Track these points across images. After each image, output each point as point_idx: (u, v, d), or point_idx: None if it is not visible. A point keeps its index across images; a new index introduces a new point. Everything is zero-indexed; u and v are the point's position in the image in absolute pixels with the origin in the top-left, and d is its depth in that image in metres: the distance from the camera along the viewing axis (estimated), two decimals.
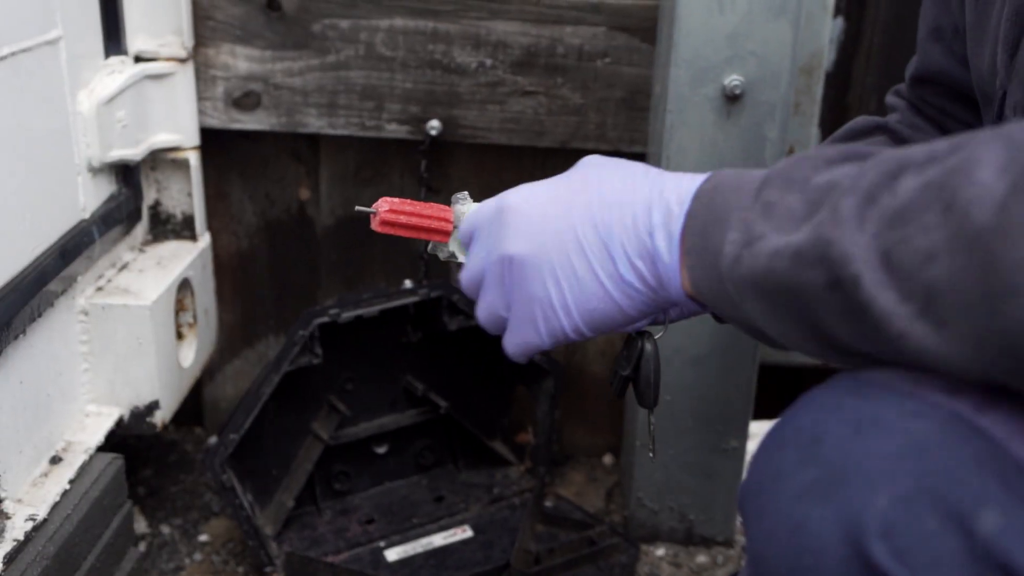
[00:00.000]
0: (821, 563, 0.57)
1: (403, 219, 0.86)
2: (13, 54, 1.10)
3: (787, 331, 0.67)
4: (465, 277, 0.84)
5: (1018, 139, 0.55)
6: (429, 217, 0.87)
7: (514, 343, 0.82)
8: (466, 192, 0.87)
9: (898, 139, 1.04)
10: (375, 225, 0.87)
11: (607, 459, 1.70)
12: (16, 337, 1.11)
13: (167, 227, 1.53)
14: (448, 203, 0.89)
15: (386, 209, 0.86)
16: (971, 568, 0.53)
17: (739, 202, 0.69)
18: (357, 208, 0.88)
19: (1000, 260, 0.53)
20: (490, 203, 0.81)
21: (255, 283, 1.65)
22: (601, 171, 0.77)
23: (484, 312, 0.83)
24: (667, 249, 0.73)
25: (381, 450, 1.56)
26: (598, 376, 1.66)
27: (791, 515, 0.60)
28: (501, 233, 0.78)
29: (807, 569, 0.58)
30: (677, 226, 0.73)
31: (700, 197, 0.72)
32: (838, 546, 0.57)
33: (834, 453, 0.59)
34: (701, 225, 0.71)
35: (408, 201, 0.87)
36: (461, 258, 0.87)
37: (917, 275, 0.56)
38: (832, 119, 1.50)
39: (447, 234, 0.87)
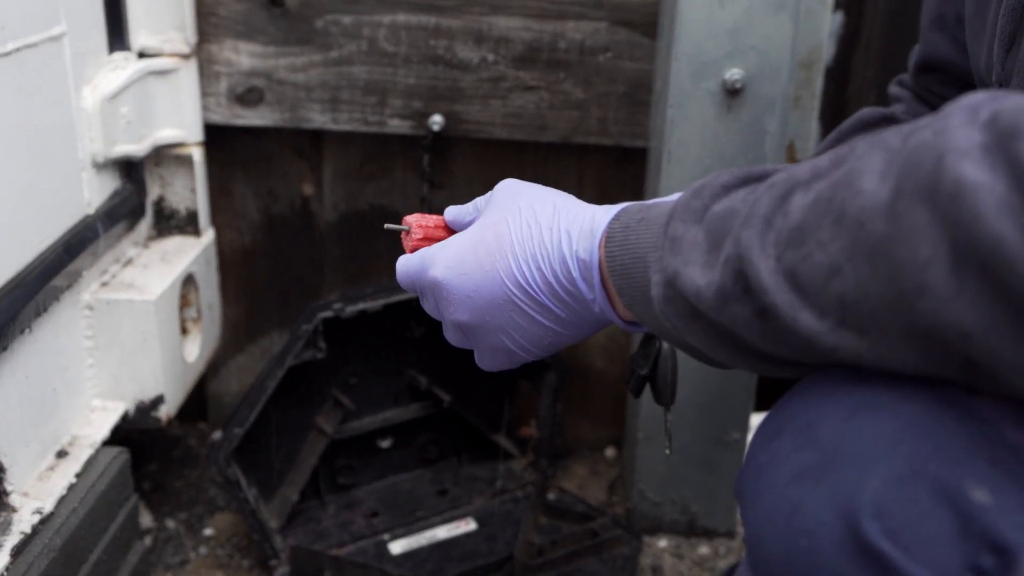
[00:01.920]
0: (816, 545, 0.58)
1: (441, 238, 0.87)
2: (17, 50, 1.09)
3: (733, 358, 0.68)
4: (428, 311, 0.88)
5: (894, 145, 0.56)
6: None
7: (485, 366, 0.88)
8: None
9: None
10: (408, 249, 0.87)
11: (609, 452, 1.70)
12: (22, 332, 1.11)
13: (171, 223, 1.53)
14: (451, 201, 0.90)
15: (420, 237, 0.86)
16: (963, 546, 0.53)
17: (650, 239, 0.71)
18: (387, 226, 0.88)
19: (903, 264, 0.53)
20: (415, 262, 0.84)
21: (259, 278, 1.65)
22: (511, 221, 0.79)
23: (452, 342, 0.88)
24: (593, 293, 0.77)
25: (385, 444, 1.56)
26: (601, 370, 1.66)
27: (787, 498, 0.60)
28: (443, 303, 0.82)
29: (803, 551, 0.58)
30: (594, 274, 0.76)
31: (612, 238, 0.74)
32: (833, 527, 0.57)
33: (828, 436, 0.59)
34: (621, 267, 0.73)
35: (439, 221, 0.87)
36: None
37: (825, 290, 0.57)
38: (832, 113, 1.50)
39: None
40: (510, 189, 0.83)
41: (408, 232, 0.86)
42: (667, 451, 1.04)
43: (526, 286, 0.78)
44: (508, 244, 0.78)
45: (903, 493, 0.55)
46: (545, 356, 0.84)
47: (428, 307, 0.87)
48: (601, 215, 0.77)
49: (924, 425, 0.57)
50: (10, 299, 1.07)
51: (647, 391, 0.97)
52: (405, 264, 0.86)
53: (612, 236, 0.74)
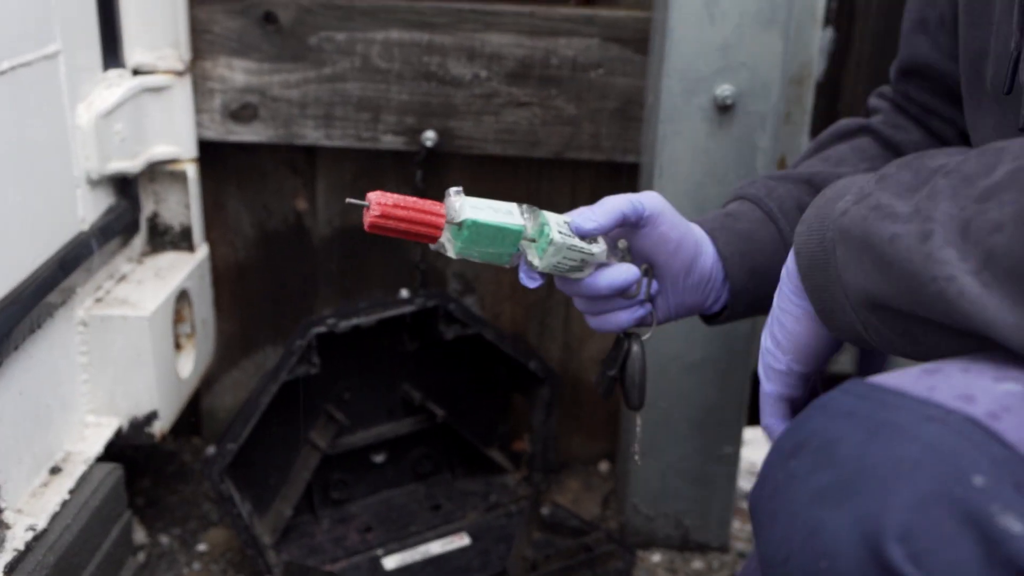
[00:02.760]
0: (837, 567, 0.57)
1: (392, 224, 0.82)
2: (12, 68, 1.11)
3: (852, 275, 0.71)
4: None
5: None
6: (420, 221, 0.83)
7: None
8: (460, 187, 0.85)
9: (881, 139, 1.05)
10: (365, 226, 0.83)
11: (603, 466, 1.71)
12: (16, 348, 1.12)
13: (165, 238, 1.54)
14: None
15: (377, 214, 0.82)
16: (989, 572, 0.53)
17: (856, 184, 0.75)
18: (348, 200, 0.84)
19: None
20: None
21: (253, 294, 1.66)
22: None
23: None
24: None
25: (379, 459, 1.57)
26: (594, 384, 1.67)
27: (806, 519, 0.60)
28: None
29: (823, 572, 0.58)
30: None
31: (817, 201, 0.78)
32: (855, 550, 0.56)
33: (849, 457, 0.59)
34: (822, 201, 0.77)
35: (399, 200, 0.82)
36: (449, 251, 0.84)
37: (982, 241, 0.61)
38: (823, 128, 1.51)
39: (439, 229, 0.83)
40: None
41: (368, 208, 0.82)
42: (635, 457, 1.04)
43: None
44: None
45: (928, 517, 0.55)
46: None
47: None
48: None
49: (946, 448, 0.57)
50: (4, 316, 1.07)
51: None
52: None
53: (824, 193, 0.79)
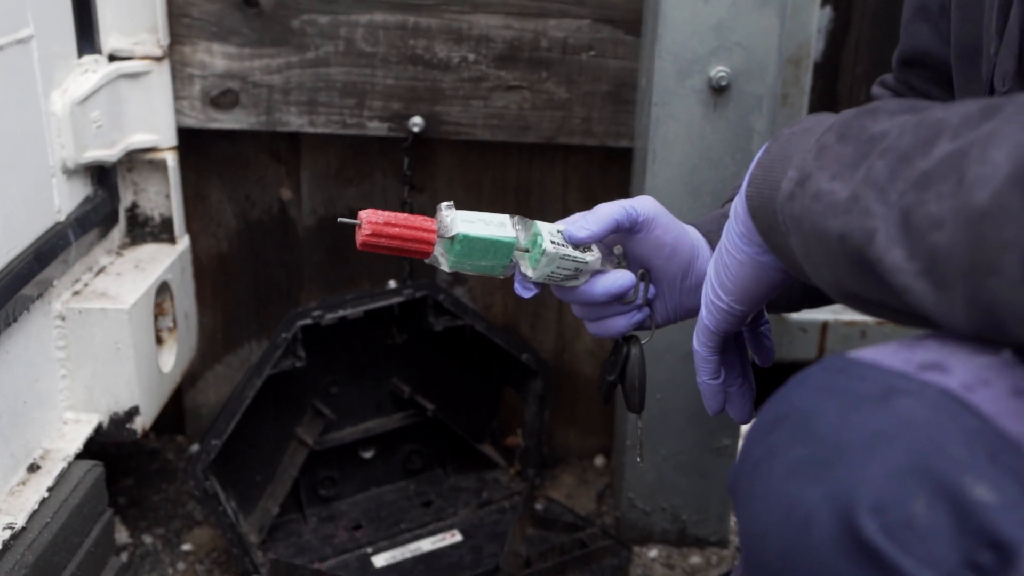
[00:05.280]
0: (813, 539, 0.58)
1: (384, 242, 0.85)
2: None
3: (816, 271, 0.72)
4: None
5: None
6: (411, 238, 0.85)
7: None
8: (451, 201, 0.88)
9: None
10: (357, 244, 0.86)
11: (598, 460, 1.71)
12: None
13: (145, 229, 1.54)
14: (433, 203, 0.88)
15: (368, 232, 0.85)
16: (961, 542, 0.54)
17: (805, 144, 0.74)
18: (340, 219, 0.87)
19: (987, 239, 0.56)
20: None
21: (236, 286, 1.66)
22: None
23: None
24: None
25: (368, 454, 1.57)
26: (588, 377, 1.67)
27: (783, 492, 0.61)
28: None
29: (799, 546, 0.59)
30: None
31: (778, 138, 0.78)
32: (829, 522, 0.58)
33: (825, 431, 0.61)
34: (770, 161, 0.77)
35: (390, 218, 0.85)
36: (443, 264, 0.87)
37: (925, 238, 0.60)
38: (821, 109, 1.51)
39: (432, 245, 0.86)
40: None
41: (359, 226, 0.85)
42: (638, 459, 1.06)
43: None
44: None
45: (900, 489, 0.56)
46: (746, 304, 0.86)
47: None
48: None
49: (921, 421, 0.58)
50: None
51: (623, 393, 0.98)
52: None
53: (779, 136, 0.78)
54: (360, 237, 0.85)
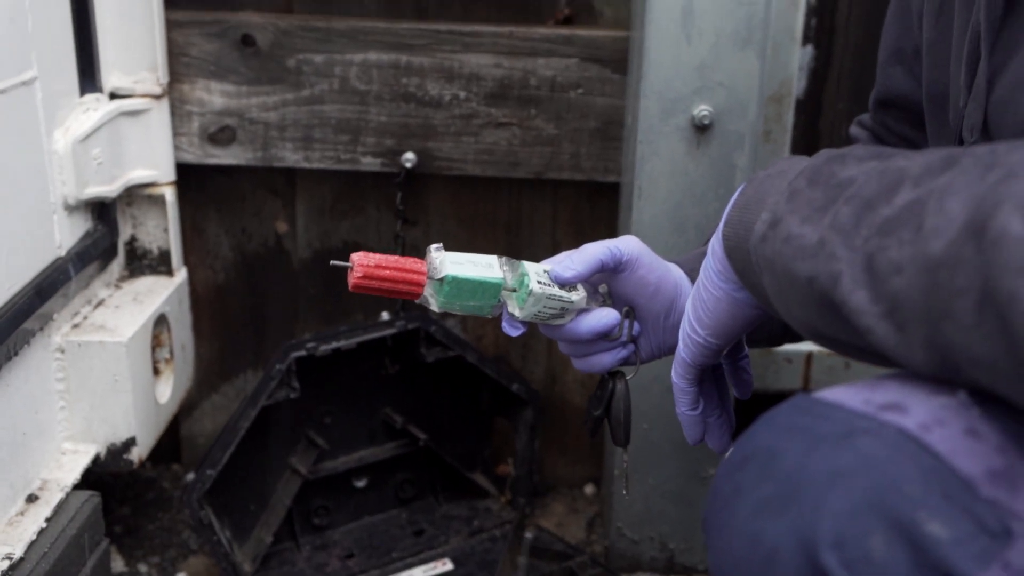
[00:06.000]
0: (778, 574, 0.62)
1: (375, 284, 0.88)
2: None
3: (788, 310, 0.75)
4: None
5: (995, 162, 0.61)
6: (402, 280, 0.88)
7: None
8: (441, 244, 0.91)
9: None
10: (349, 286, 0.89)
11: (588, 489, 1.74)
12: None
13: (143, 262, 1.57)
14: (426, 237, 0.91)
15: (359, 275, 0.87)
16: None
17: (778, 186, 0.77)
18: (332, 263, 0.90)
19: (941, 286, 0.60)
20: None
21: (233, 317, 1.70)
22: None
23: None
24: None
25: (360, 484, 1.60)
26: (578, 407, 1.71)
27: (749, 528, 0.64)
28: None
29: None
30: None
31: (754, 180, 0.81)
32: (793, 557, 0.61)
33: (790, 468, 0.64)
34: (745, 202, 0.80)
35: (381, 260, 0.88)
36: (433, 304, 0.90)
37: (887, 282, 0.64)
38: (804, 145, 1.56)
39: (421, 287, 0.89)
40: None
41: (351, 269, 0.88)
42: (624, 492, 1.08)
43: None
44: None
45: (859, 525, 0.59)
46: (723, 338, 0.88)
47: None
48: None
49: (879, 459, 0.61)
50: None
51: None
52: None
53: (754, 178, 0.81)
54: (352, 280, 0.88)
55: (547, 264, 0.93)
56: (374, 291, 0.89)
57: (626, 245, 0.94)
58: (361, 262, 0.88)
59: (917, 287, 0.62)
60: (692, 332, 0.90)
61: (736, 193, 0.83)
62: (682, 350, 0.92)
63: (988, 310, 0.57)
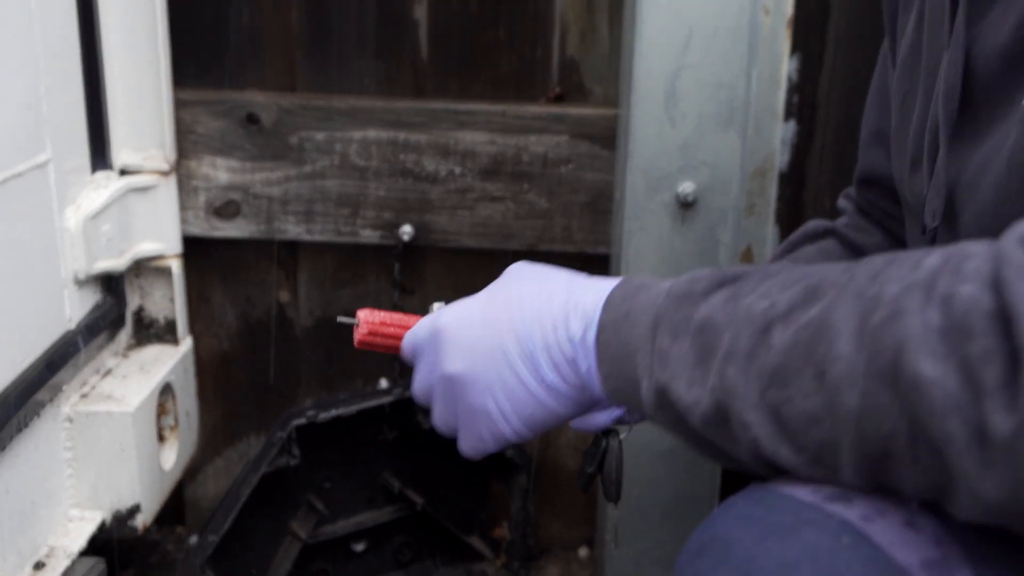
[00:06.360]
0: None
1: (380, 340, 0.92)
2: (5, 180, 1.21)
3: (719, 461, 0.77)
4: (415, 391, 0.93)
5: (864, 301, 0.64)
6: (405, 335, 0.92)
7: (467, 447, 0.92)
8: (443, 302, 0.93)
9: (845, 242, 1.13)
10: (355, 342, 0.93)
11: (583, 552, 1.78)
12: (2, 448, 1.20)
13: (150, 331, 1.63)
14: (423, 305, 0.94)
15: (365, 332, 0.92)
16: None
17: (637, 340, 0.78)
18: (339, 319, 0.94)
19: (869, 435, 0.63)
20: (426, 323, 0.90)
21: (236, 384, 1.75)
22: (522, 285, 0.86)
23: (438, 421, 0.93)
24: (584, 358, 0.82)
25: (359, 547, 1.64)
26: (572, 470, 1.75)
27: None
28: (439, 353, 0.87)
29: None
30: (591, 337, 0.81)
31: (606, 327, 0.81)
32: None
33: (742, 558, 0.68)
34: (611, 357, 0.80)
35: (385, 317, 0.92)
36: None
37: (805, 434, 0.67)
38: (789, 216, 1.62)
39: None
40: (527, 266, 0.91)
41: (357, 326, 0.93)
42: (614, 545, 1.11)
43: (526, 340, 0.83)
44: (517, 302, 0.85)
45: None
46: (525, 436, 0.87)
47: (423, 369, 0.91)
48: (603, 294, 0.82)
49: (823, 550, 0.65)
50: None
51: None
52: (414, 329, 0.92)
53: (604, 327, 0.80)
54: (357, 336, 0.92)
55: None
56: (379, 347, 0.93)
57: None
58: (367, 319, 0.92)
59: (842, 436, 0.64)
60: (500, 425, 0.87)
61: (591, 338, 0.81)
62: (489, 441, 0.89)
63: (923, 449, 0.60)
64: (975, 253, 0.61)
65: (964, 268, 0.60)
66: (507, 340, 0.84)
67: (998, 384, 0.57)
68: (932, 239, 0.88)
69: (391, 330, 0.92)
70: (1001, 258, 0.59)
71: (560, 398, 0.85)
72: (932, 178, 0.87)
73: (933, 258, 0.63)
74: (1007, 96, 0.77)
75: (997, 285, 0.58)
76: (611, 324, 0.80)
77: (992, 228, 0.71)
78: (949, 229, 0.85)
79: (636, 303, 0.80)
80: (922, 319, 0.60)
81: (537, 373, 0.84)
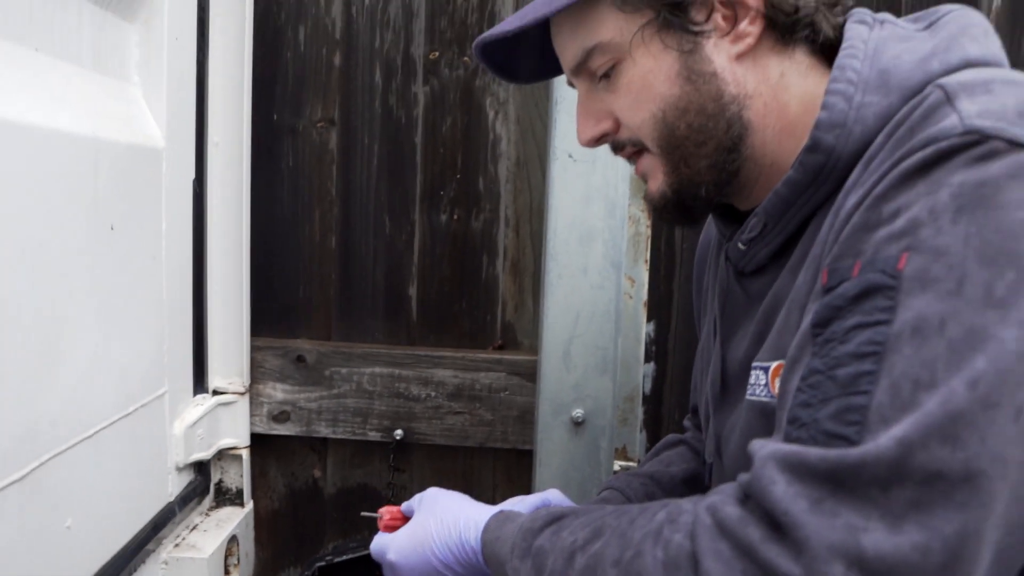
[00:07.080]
0: None
1: (398, 524, 0.99)
2: (135, 410, 1.36)
3: None
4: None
5: (625, 535, 0.67)
6: None
7: None
8: (437, 488, 0.97)
9: (692, 448, 1.16)
10: (380, 527, 0.98)
11: None
12: None
13: (225, 497, 1.75)
14: (411, 482, 1.03)
15: (386, 520, 0.98)
16: None
17: (505, 558, 0.81)
18: (363, 514, 1.04)
19: None
20: (381, 547, 0.96)
21: (282, 532, 1.85)
22: (432, 519, 0.91)
23: None
24: (476, 556, 0.88)
25: None
26: None
27: None
28: (388, 554, 0.94)
29: None
30: (479, 547, 0.87)
31: (486, 545, 0.85)
32: None
33: None
34: (492, 563, 0.84)
35: (395, 511, 0.99)
36: None
37: None
38: (652, 425, 1.77)
39: None
40: (432, 496, 0.94)
41: (380, 518, 1.00)
42: None
43: (444, 558, 0.88)
44: (431, 534, 0.89)
45: None
46: None
47: (385, 563, 0.99)
48: (485, 518, 0.86)
49: None
50: (112, 567, 1.28)
51: None
52: (376, 544, 0.97)
53: (485, 543, 0.85)
54: (381, 526, 0.99)
55: (507, 505, 0.95)
56: (394, 531, 0.98)
57: (552, 494, 0.98)
58: (386, 519, 1.00)
59: None
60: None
61: (480, 543, 0.85)
62: None
63: None
64: (687, 510, 0.66)
65: (679, 521, 0.65)
66: (433, 560, 0.89)
67: None
68: (710, 470, 0.92)
69: (398, 524, 1.00)
70: (698, 518, 0.64)
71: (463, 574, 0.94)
72: (708, 430, 0.93)
73: (662, 513, 0.68)
74: (742, 389, 0.83)
75: (693, 536, 0.63)
76: (489, 543, 0.85)
77: (738, 468, 0.77)
78: (719, 464, 0.89)
79: (503, 531, 0.84)
80: (652, 556, 0.64)
81: (446, 563, 0.92)
